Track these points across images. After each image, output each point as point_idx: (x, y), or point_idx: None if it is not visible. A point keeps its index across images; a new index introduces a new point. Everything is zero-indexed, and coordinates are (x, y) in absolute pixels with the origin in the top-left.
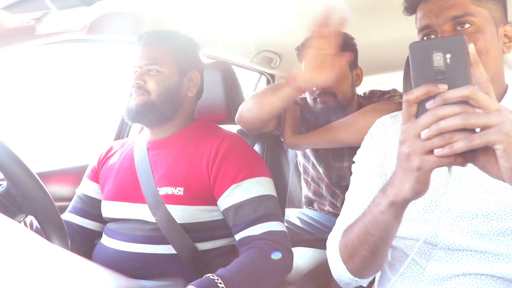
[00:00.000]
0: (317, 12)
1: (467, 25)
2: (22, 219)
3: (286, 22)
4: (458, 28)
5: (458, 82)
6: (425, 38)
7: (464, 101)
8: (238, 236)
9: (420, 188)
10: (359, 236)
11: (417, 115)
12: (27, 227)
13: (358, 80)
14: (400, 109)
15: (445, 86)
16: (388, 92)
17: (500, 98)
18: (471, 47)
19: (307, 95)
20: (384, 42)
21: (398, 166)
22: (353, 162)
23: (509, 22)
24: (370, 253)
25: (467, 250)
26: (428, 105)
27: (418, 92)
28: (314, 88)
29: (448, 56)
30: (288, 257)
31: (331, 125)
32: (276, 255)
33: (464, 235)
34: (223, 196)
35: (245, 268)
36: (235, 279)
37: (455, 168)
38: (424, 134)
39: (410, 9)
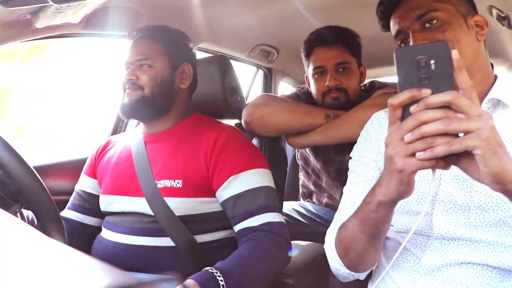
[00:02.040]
0: (314, 6)
1: (434, 21)
2: (17, 209)
3: (284, 16)
4: (427, 25)
5: (442, 87)
6: (399, 43)
7: (447, 106)
8: (236, 228)
9: (404, 189)
10: (352, 233)
11: (402, 119)
12: (24, 220)
13: (362, 77)
14: None
15: (429, 91)
16: (387, 84)
17: (487, 88)
18: (455, 53)
19: (313, 89)
20: (382, 36)
21: (385, 167)
22: (351, 158)
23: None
24: (363, 250)
25: (462, 240)
26: (412, 109)
27: (402, 97)
28: (326, 84)
29: (432, 61)
30: (287, 249)
31: (331, 122)
32: (293, 252)
33: (458, 226)
34: (222, 187)
35: (244, 260)
36: (233, 272)
37: None
38: (407, 137)
39: (385, 25)
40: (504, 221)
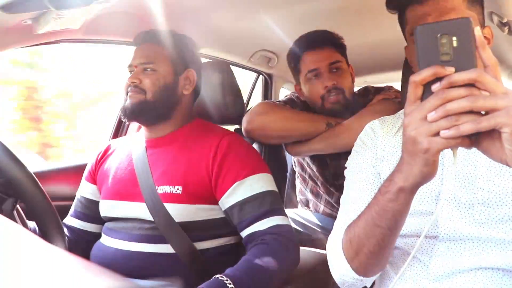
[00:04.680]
0: (315, 12)
1: None
2: (12, 204)
3: (285, 22)
4: None
5: (465, 65)
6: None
7: (471, 84)
8: (244, 233)
9: (429, 170)
10: (365, 230)
11: (422, 98)
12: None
13: (352, 77)
14: (398, 109)
15: (452, 69)
16: (383, 88)
17: None
18: (477, 30)
19: (310, 95)
20: (382, 42)
21: (404, 151)
22: (346, 168)
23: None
24: (377, 247)
25: (468, 240)
26: (434, 87)
27: (425, 73)
28: (325, 85)
29: (454, 38)
30: (295, 251)
31: (331, 130)
32: None
33: (463, 223)
34: (226, 194)
35: (253, 266)
36: (244, 279)
37: (446, 159)
38: (431, 116)
39: (397, 7)
40: (510, 216)
